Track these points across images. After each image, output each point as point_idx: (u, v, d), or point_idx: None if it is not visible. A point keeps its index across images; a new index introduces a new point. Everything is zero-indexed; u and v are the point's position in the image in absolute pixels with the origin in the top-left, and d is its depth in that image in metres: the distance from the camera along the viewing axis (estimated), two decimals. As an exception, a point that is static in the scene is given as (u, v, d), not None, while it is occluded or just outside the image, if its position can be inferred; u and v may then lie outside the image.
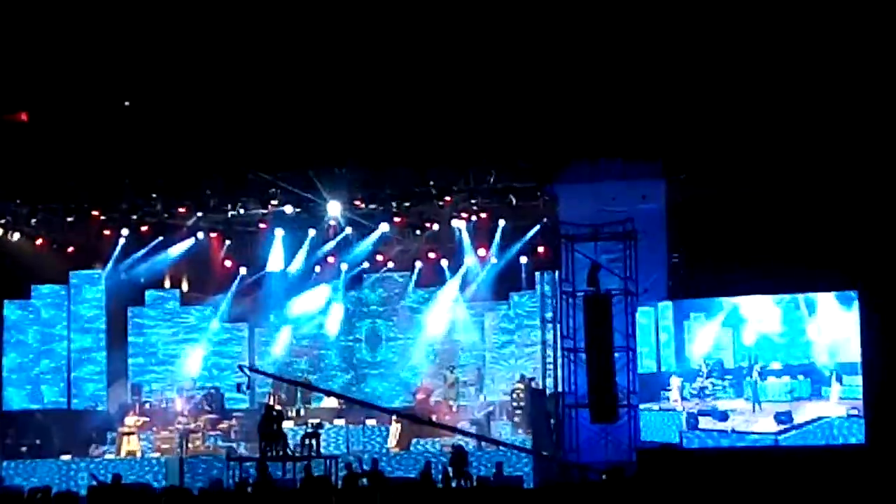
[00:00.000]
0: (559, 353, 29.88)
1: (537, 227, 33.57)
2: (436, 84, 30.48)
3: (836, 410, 28.61)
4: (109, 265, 36.04)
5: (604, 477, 23.58)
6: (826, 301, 29.38)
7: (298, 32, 30.90)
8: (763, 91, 29.62)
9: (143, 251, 36.09)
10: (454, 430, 30.86)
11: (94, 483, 27.63)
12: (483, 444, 30.95)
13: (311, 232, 35.44)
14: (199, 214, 34.24)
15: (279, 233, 35.56)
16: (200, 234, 36.03)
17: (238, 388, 31.33)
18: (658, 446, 27.55)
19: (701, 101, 29.63)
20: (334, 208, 33.58)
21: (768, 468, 18.42)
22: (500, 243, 34.97)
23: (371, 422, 33.22)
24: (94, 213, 33.75)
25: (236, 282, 37.19)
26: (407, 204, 33.50)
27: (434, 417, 32.67)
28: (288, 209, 33.83)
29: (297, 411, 34.00)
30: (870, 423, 28.14)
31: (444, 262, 36.25)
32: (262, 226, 35.27)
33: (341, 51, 30.94)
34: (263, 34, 31.01)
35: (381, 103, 30.92)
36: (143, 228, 35.16)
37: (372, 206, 33.65)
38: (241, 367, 30.90)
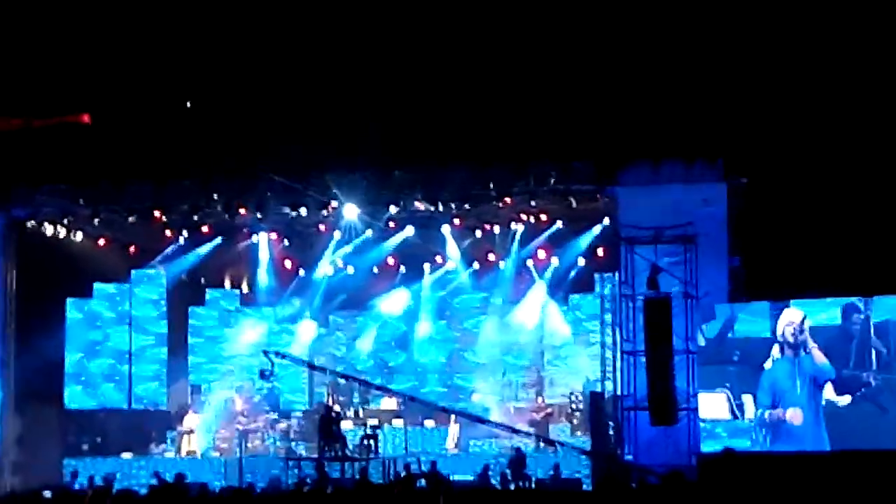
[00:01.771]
0: (619, 356, 29.79)
1: (598, 228, 33.41)
2: (498, 85, 30.51)
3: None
4: (170, 265, 36.26)
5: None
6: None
7: (356, 33, 31.02)
8: (824, 95, 29.47)
9: (203, 251, 36.28)
10: (515, 430, 30.81)
11: (156, 482, 27.78)
12: (541, 445, 30.92)
13: (369, 231, 35.46)
14: (259, 215, 34.33)
15: (337, 235, 35.61)
16: (260, 235, 36.16)
17: (262, 374, 31.12)
18: (720, 451, 27.34)
19: (763, 105, 29.52)
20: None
21: (834, 473, 18.26)
22: (560, 245, 34.90)
23: (429, 423, 33.26)
24: (156, 213, 33.91)
25: (295, 282, 37.33)
26: (466, 206, 33.47)
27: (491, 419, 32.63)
28: (349, 212, 33.85)
29: (356, 412, 34.06)
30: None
31: (502, 264, 36.20)
32: (321, 226, 35.32)
33: (400, 51, 31.03)
34: (320, 36, 31.14)
35: (442, 104, 30.99)
36: (204, 229, 35.31)
37: (431, 209, 33.63)
38: (265, 353, 30.78)
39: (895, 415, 28.47)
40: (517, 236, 34.97)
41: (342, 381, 34.55)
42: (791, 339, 29.27)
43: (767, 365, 29.36)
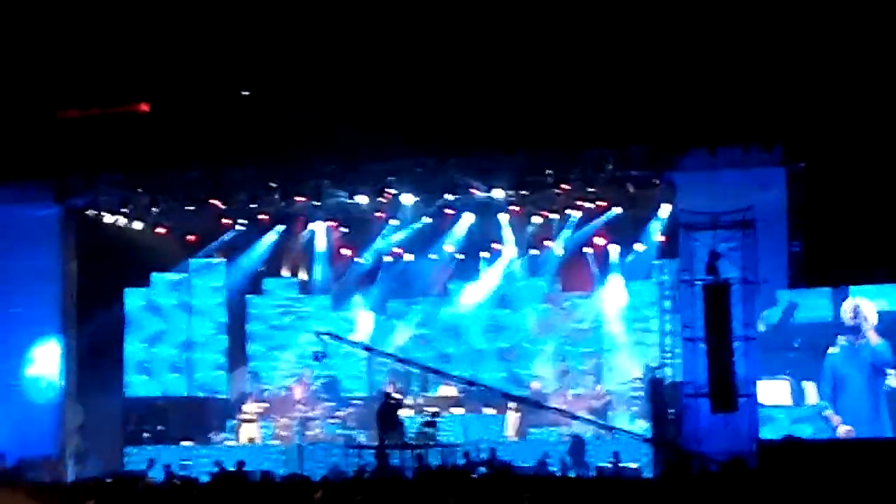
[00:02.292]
0: (678, 343, 29.67)
1: (664, 212, 33.21)
2: (554, 71, 30.42)
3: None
4: (228, 254, 36.44)
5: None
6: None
7: (409, 20, 31.00)
8: (884, 78, 29.21)
9: (261, 240, 36.44)
10: (575, 416, 30.75)
11: (217, 469, 27.94)
12: (601, 433, 30.86)
13: (427, 218, 35.44)
14: (316, 203, 34.39)
15: (394, 222, 35.64)
16: (318, 223, 36.26)
17: (315, 356, 31.09)
18: (781, 438, 27.22)
19: (822, 89, 29.29)
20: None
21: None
22: (618, 231, 34.81)
23: (489, 410, 33.24)
24: (214, 202, 34.06)
25: (352, 270, 37.41)
26: (523, 192, 33.41)
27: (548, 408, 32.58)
28: (406, 199, 33.89)
29: (415, 399, 34.10)
30: None
31: (558, 251, 36.09)
32: (378, 214, 35.36)
33: (456, 37, 30.99)
34: (373, 23, 31.15)
35: (497, 90, 30.92)
36: (262, 217, 35.45)
37: (488, 195, 33.60)
38: (317, 334, 30.73)
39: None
40: (574, 223, 34.87)
41: (399, 365, 34.63)
42: (850, 324, 29.15)
43: (832, 350, 29.19)
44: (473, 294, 36.78)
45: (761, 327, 29.31)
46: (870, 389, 29.02)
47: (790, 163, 29.94)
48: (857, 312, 29.11)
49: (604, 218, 34.42)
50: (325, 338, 30.53)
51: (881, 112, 29.32)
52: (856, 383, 29.09)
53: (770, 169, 29.85)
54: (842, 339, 29.21)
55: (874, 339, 29.02)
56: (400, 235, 36.33)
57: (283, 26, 31.79)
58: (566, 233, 35.33)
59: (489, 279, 36.75)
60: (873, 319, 29.11)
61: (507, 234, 35.90)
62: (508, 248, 36.37)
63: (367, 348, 33.45)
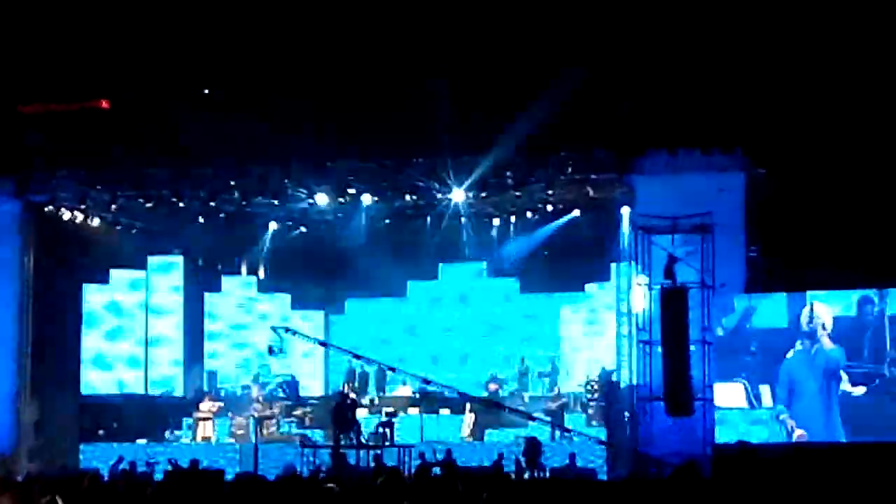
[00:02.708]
0: (634, 346, 29.75)
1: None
2: (516, 73, 30.43)
3: None
4: (187, 251, 36.35)
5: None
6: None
7: (374, 21, 30.96)
8: (843, 86, 29.35)
9: (220, 239, 36.36)
10: (533, 417, 30.79)
11: (170, 467, 27.82)
12: (557, 435, 30.92)
13: (388, 219, 35.43)
14: (276, 202, 34.35)
15: (353, 223, 35.68)
16: (278, 223, 36.21)
17: (270, 350, 31.06)
18: (735, 443, 27.33)
19: (782, 94, 29.41)
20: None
21: (847, 464, 18.20)
22: (578, 234, 34.87)
23: (445, 411, 33.25)
24: (173, 199, 33.98)
25: (311, 269, 37.37)
26: (483, 194, 33.45)
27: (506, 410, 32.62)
28: (366, 199, 33.90)
29: (371, 400, 34.09)
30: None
31: (517, 253, 36.19)
32: (338, 214, 35.34)
33: (421, 40, 30.98)
34: (336, 24, 31.11)
35: (458, 92, 30.90)
36: (221, 216, 35.36)
37: (448, 196, 33.64)
38: (274, 329, 30.70)
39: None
40: (533, 225, 34.93)
41: (357, 365, 34.68)
42: (806, 329, 29.33)
43: (789, 355, 29.37)
44: (431, 295, 36.82)
45: (719, 332, 29.44)
46: (824, 394, 29.19)
47: (750, 168, 30.04)
48: (812, 317, 29.28)
49: (563, 220, 34.45)
50: (282, 332, 30.50)
51: (840, 119, 29.46)
52: (810, 388, 29.26)
53: (729, 174, 29.94)
54: (798, 345, 29.37)
55: (828, 344, 29.19)
56: (360, 236, 36.27)
57: (246, 25, 31.71)
58: (526, 235, 35.37)
59: (448, 280, 36.79)
60: (829, 325, 29.27)
61: (468, 235, 35.93)
62: (468, 249, 36.40)
63: (323, 343, 33.43)
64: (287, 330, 30.90)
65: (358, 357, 32.88)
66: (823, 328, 29.22)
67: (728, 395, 29.59)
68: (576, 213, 33.99)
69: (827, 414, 29.00)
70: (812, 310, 29.41)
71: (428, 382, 32.27)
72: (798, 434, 28.92)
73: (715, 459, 21.53)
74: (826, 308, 29.42)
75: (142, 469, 28.35)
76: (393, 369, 33.08)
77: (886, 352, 28.94)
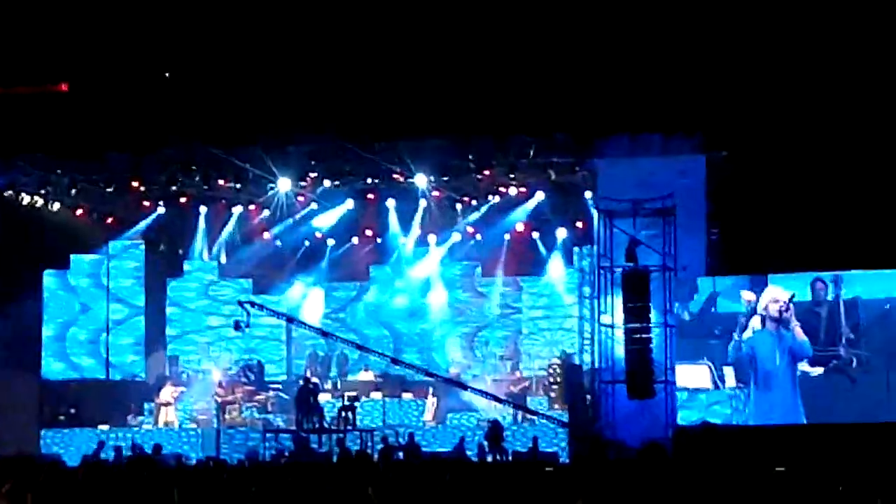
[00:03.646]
0: (597, 329, 29.80)
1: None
2: (477, 57, 30.40)
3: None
4: (148, 236, 36.17)
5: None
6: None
7: (344, 9, 30.89)
8: (805, 64, 29.44)
9: (181, 223, 36.23)
10: (497, 399, 30.82)
11: (131, 453, 27.75)
12: (519, 419, 30.98)
13: (350, 203, 35.36)
14: (238, 186, 34.25)
15: (314, 206, 35.62)
16: (239, 207, 36.08)
17: (236, 325, 30.93)
18: (698, 423, 27.52)
19: (742, 77, 29.47)
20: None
21: (810, 444, 18.33)
22: (538, 217, 34.89)
23: (407, 395, 33.26)
24: (134, 184, 33.83)
25: (272, 253, 37.28)
26: (445, 178, 33.44)
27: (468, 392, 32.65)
28: (328, 184, 33.86)
29: (334, 384, 34.05)
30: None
31: (478, 236, 36.20)
32: (300, 199, 35.27)
33: (386, 25, 30.91)
34: (296, 5, 31.00)
35: (421, 76, 30.86)
36: (182, 200, 35.22)
37: (410, 181, 33.61)
38: (240, 303, 30.55)
39: (864, 386, 29.05)
40: (496, 208, 34.93)
41: (320, 349, 34.69)
42: (776, 315, 29.51)
43: (746, 335, 29.61)
44: (394, 278, 36.80)
45: (685, 315, 29.64)
46: (785, 375, 29.53)
47: (711, 151, 30.11)
48: (784, 304, 29.52)
49: (526, 204, 34.46)
50: (248, 306, 30.36)
51: (803, 101, 29.55)
52: (773, 368, 29.62)
53: (690, 157, 30.03)
54: (757, 324, 29.61)
55: (797, 331, 29.48)
56: (322, 220, 36.20)
57: (207, 7, 31.55)
58: (488, 218, 35.36)
59: (410, 264, 36.76)
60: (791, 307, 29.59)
61: (430, 219, 35.89)
62: (430, 233, 36.38)
63: (290, 319, 33.34)
64: (254, 305, 30.77)
65: (326, 335, 32.82)
66: (791, 314, 29.52)
67: (694, 376, 29.86)
68: (539, 196, 33.96)
69: (789, 394, 29.30)
70: (781, 296, 29.67)
71: (398, 363, 32.30)
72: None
73: (676, 441, 21.59)
74: (787, 293, 29.64)
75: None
76: (363, 348, 33.04)
77: (840, 333, 29.29)
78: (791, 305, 29.55)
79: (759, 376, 29.68)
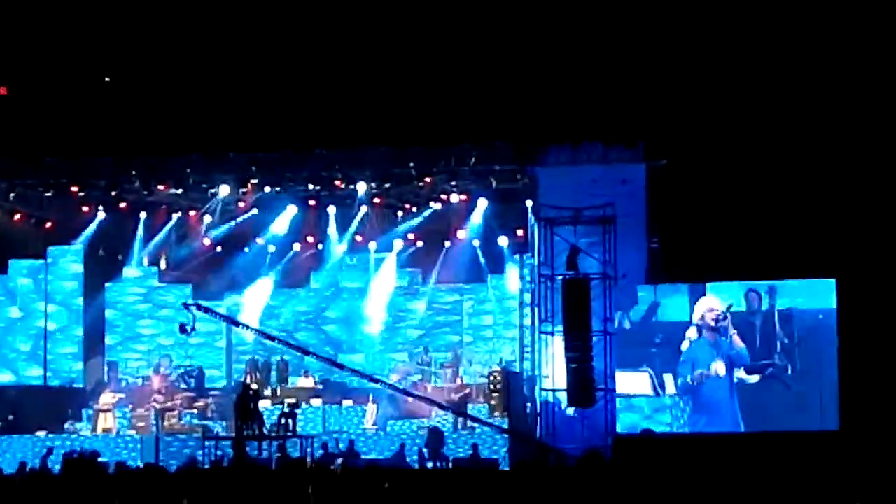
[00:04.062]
0: (537, 337, 29.88)
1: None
2: (418, 65, 30.47)
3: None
4: (87, 241, 35.95)
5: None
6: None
7: (285, 16, 30.88)
8: (743, 77, 29.70)
9: (120, 228, 36.04)
10: (439, 405, 30.82)
11: (71, 457, 27.51)
12: (459, 426, 31.01)
13: (292, 209, 35.29)
14: (179, 192, 34.12)
15: (254, 211, 35.56)
16: (179, 213, 35.95)
17: (181, 328, 30.67)
18: (639, 432, 27.65)
19: (681, 87, 29.69)
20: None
21: (747, 453, 18.44)
22: (479, 225, 34.95)
23: (347, 402, 33.21)
24: (73, 188, 33.63)
25: (211, 259, 37.15)
26: (387, 185, 33.46)
27: (408, 399, 32.64)
28: (268, 189, 33.84)
29: (274, 390, 33.93)
30: (843, 409, 28.52)
31: (419, 244, 36.25)
32: (240, 204, 35.20)
33: (326, 33, 30.92)
34: (243, 12, 30.95)
35: (362, 83, 30.90)
36: (122, 205, 35.04)
37: (351, 187, 33.62)
38: (185, 306, 30.30)
39: (798, 394, 29.68)
40: (437, 216, 34.97)
41: (259, 356, 34.60)
42: (712, 324, 29.87)
43: (684, 346, 29.93)
44: (334, 285, 36.77)
45: (626, 324, 29.90)
46: (725, 380, 29.90)
47: (651, 160, 30.30)
48: (721, 314, 29.90)
49: (467, 211, 34.51)
50: (193, 309, 30.11)
51: (742, 110, 29.82)
52: (715, 378, 29.90)
53: (631, 165, 30.21)
54: (693, 334, 29.97)
55: (735, 339, 29.83)
56: (263, 226, 36.13)
57: (149, 11, 31.45)
58: (429, 225, 35.39)
59: (351, 270, 36.74)
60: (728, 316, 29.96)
61: (371, 226, 35.90)
62: (370, 239, 36.38)
63: (233, 322, 33.19)
64: (199, 307, 30.51)
65: (271, 338, 32.66)
66: (728, 323, 29.91)
67: (635, 383, 30.22)
68: (480, 203, 34.04)
69: (727, 400, 29.67)
70: (717, 306, 30.01)
71: (342, 367, 32.22)
72: (714, 368, 29.77)
73: (616, 449, 21.64)
74: (723, 302, 29.97)
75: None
76: (308, 352, 32.94)
77: (776, 341, 29.72)
78: (728, 315, 29.88)
79: (696, 385, 29.99)
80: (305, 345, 35.50)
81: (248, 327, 33.33)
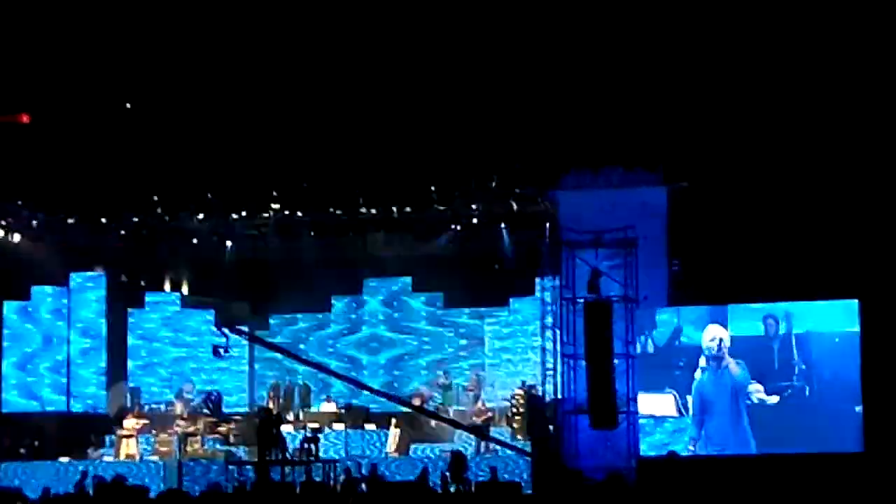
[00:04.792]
0: (559, 360, 29.89)
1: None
2: (439, 89, 30.53)
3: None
4: (109, 267, 36.08)
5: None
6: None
7: (299, 35, 30.93)
8: (763, 97, 29.70)
9: (142, 254, 36.17)
10: (464, 428, 30.82)
11: (93, 484, 27.60)
12: (482, 450, 31.00)
13: (311, 233, 35.43)
14: (201, 217, 34.24)
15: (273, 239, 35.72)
16: (201, 238, 36.07)
17: (215, 350, 30.60)
18: (665, 455, 27.73)
19: (702, 110, 29.70)
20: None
21: (771, 475, 18.46)
22: (500, 248, 34.98)
23: (370, 426, 33.23)
24: (96, 215, 33.76)
25: (235, 284, 37.23)
26: (407, 209, 33.52)
27: (432, 423, 32.65)
28: (288, 214, 33.98)
29: (296, 415, 33.98)
30: (868, 430, 28.51)
31: (441, 267, 36.27)
32: (263, 229, 35.32)
33: (339, 52, 30.98)
34: (262, 38, 31.04)
35: (382, 108, 30.96)
36: (144, 232, 35.17)
37: (372, 211, 33.70)
38: (217, 326, 30.29)
39: (817, 416, 29.64)
40: (458, 239, 35.03)
41: (282, 381, 34.67)
42: (715, 352, 30.02)
43: (697, 375, 30.16)
44: (355, 310, 36.82)
45: (649, 347, 29.97)
46: (732, 410, 30.18)
47: (672, 182, 30.31)
48: (719, 342, 30.11)
49: (487, 235, 34.55)
50: (226, 331, 30.08)
51: (763, 132, 29.81)
52: (720, 405, 30.27)
53: (652, 188, 30.22)
54: (703, 363, 30.17)
55: (732, 367, 30.01)
56: (283, 250, 36.22)
57: (168, 37, 31.57)
58: (450, 249, 35.43)
59: (371, 295, 36.79)
60: (727, 344, 30.11)
61: (391, 249, 35.95)
62: (391, 263, 36.43)
63: (267, 345, 33.18)
64: (232, 329, 30.45)
65: (303, 361, 32.65)
66: (724, 351, 30.09)
67: (660, 404, 30.32)
68: (501, 227, 34.10)
69: (735, 428, 29.93)
70: (718, 334, 30.23)
71: (368, 390, 32.24)
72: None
73: (640, 471, 21.67)
74: (722, 329, 30.15)
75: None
76: (335, 374, 32.96)
77: (794, 364, 29.92)
78: (725, 343, 30.12)
79: (707, 413, 30.24)
80: (330, 370, 35.65)
81: (278, 349, 33.31)
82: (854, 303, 29.45)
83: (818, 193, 29.53)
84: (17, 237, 34.45)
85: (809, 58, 29.22)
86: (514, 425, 32.56)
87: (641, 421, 29.59)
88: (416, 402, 34.29)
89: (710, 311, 30.45)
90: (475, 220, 34.00)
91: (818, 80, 29.21)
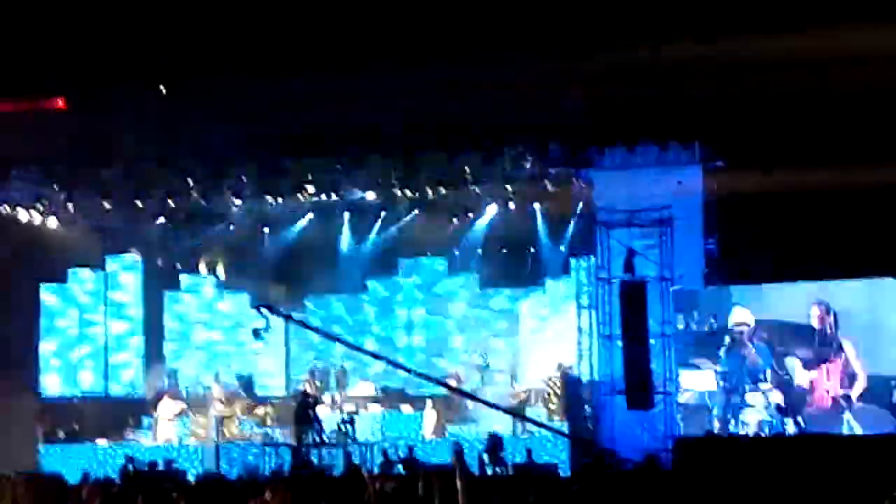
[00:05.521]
0: (595, 340, 29.82)
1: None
2: (471, 69, 30.43)
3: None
4: (145, 250, 36.19)
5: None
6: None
7: (327, 15, 30.91)
8: (801, 75, 29.49)
9: (179, 237, 36.23)
10: (504, 409, 30.77)
11: (130, 467, 27.72)
12: (518, 431, 30.96)
13: (346, 216, 35.45)
14: (237, 201, 34.27)
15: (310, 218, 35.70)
16: (238, 221, 36.10)
17: (255, 333, 30.57)
18: (703, 434, 27.74)
19: (738, 87, 29.51)
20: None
21: (812, 455, 18.35)
22: (535, 228, 34.91)
23: (406, 408, 33.24)
24: (131, 198, 33.84)
25: (272, 267, 37.24)
26: (442, 190, 33.47)
27: (468, 404, 32.61)
28: (326, 198, 33.95)
29: (332, 397, 34.02)
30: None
31: (479, 249, 36.19)
32: (297, 212, 35.32)
33: (369, 32, 30.94)
34: (294, 17, 31.02)
35: (415, 89, 30.89)
36: (180, 215, 35.23)
37: (407, 192, 33.65)
38: (258, 308, 30.20)
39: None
40: (493, 220, 34.96)
41: (318, 363, 34.68)
42: (738, 335, 30.14)
43: (722, 352, 30.31)
44: (391, 292, 36.81)
45: (685, 326, 30.03)
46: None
47: (708, 161, 30.16)
48: (749, 327, 30.22)
49: (522, 215, 34.48)
50: (265, 311, 30.01)
51: (799, 109, 29.62)
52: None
53: (687, 167, 30.10)
54: (727, 340, 30.31)
55: (751, 354, 30.30)
56: (319, 232, 36.22)
57: (204, 21, 31.57)
58: (485, 230, 35.37)
59: (407, 277, 36.77)
60: (751, 324, 30.41)
61: (426, 230, 35.91)
62: (427, 244, 36.39)
63: (306, 326, 33.15)
64: (271, 309, 30.37)
65: (341, 342, 32.59)
66: (745, 337, 30.21)
67: (699, 380, 30.69)
68: (535, 207, 34.04)
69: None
70: (745, 318, 30.56)
71: (407, 370, 32.16)
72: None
73: (676, 452, 21.58)
74: (748, 313, 30.44)
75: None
76: (373, 354, 32.89)
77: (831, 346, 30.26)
78: (745, 326, 30.18)
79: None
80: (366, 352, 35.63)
81: (318, 331, 33.21)
82: (893, 281, 29.40)
83: (855, 172, 29.31)
84: (53, 221, 34.54)
85: (852, 30, 29.00)
86: (551, 407, 32.51)
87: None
88: (452, 383, 34.25)
89: (747, 291, 30.45)
90: (510, 201, 33.88)
91: (859, 55, 28.98)
